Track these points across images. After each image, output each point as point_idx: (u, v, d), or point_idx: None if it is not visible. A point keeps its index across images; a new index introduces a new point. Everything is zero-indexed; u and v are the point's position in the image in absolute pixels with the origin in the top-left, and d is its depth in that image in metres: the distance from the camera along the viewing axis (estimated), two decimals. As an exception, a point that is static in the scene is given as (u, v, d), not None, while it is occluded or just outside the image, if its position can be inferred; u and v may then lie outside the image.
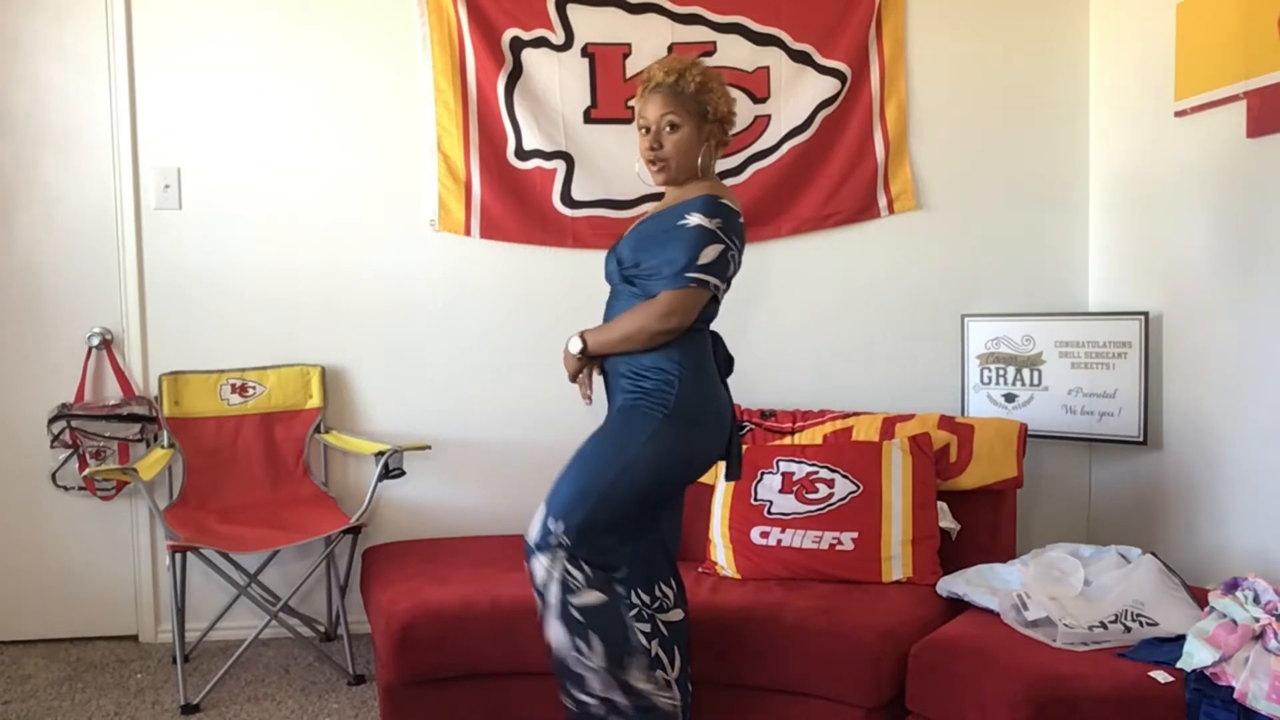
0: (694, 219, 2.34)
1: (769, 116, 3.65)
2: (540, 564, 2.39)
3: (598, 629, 2.36)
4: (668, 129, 2.42)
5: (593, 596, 2.36)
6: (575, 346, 2.47)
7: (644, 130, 2.46)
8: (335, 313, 3.58)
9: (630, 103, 3.58)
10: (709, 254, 2.34)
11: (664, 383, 2.37)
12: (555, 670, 2.42)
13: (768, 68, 3.64)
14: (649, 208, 2.58)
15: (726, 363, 2.55)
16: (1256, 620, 2.29)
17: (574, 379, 2.53)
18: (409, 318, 3.61)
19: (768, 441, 3.32)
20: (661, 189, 2.54)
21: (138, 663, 3.41)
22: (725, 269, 2.38)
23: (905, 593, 2.89)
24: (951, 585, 2.85)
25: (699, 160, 2.45)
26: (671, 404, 2.36)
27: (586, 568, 2.36)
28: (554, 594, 2.38)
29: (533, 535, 2.40)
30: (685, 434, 2.39)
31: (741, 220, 2.42)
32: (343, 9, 3.53)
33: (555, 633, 2.39)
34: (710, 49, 3.60)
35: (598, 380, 2.52)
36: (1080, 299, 3.79)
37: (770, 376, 3.61)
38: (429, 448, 3.48)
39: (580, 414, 3.53)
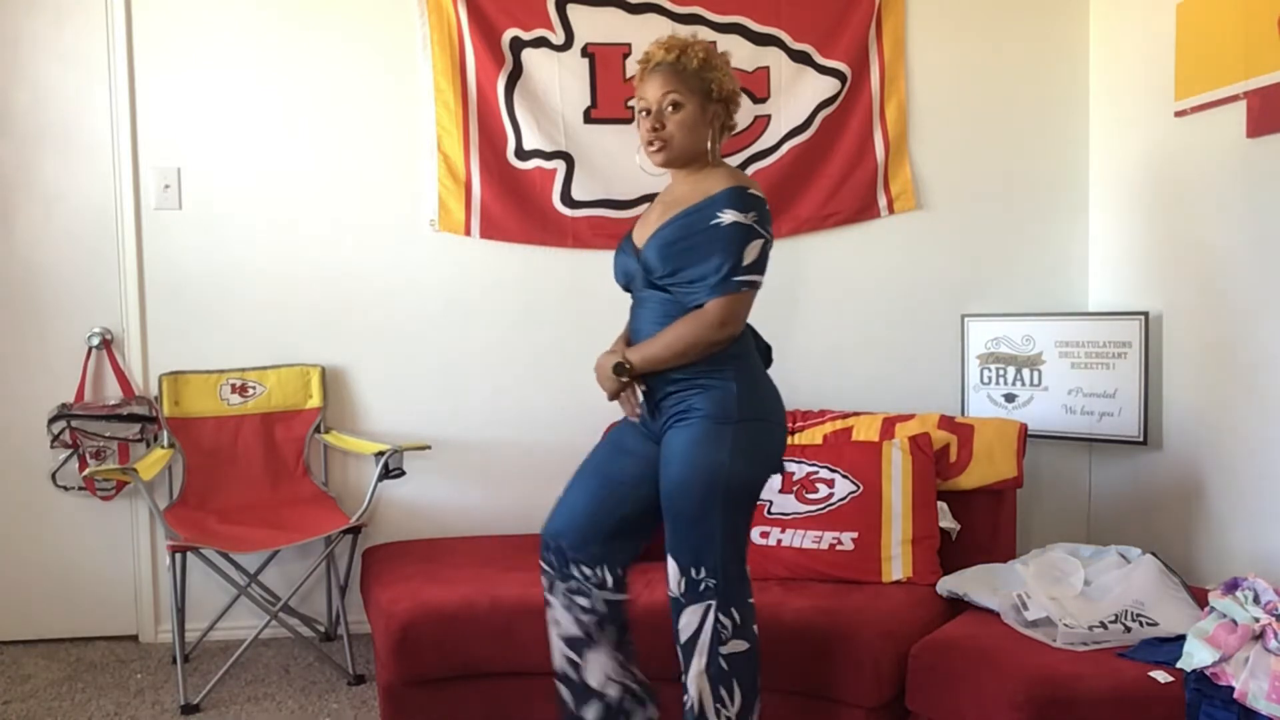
0: (728, 216, 2.23)
1: (769, 116, 3.65)
2: (690, 616, 2.29)
3: (740, 677, 2.29)
4: (670, 108, 2.30)
5: (739, 644, 2.30)
6: (614, 365, 2.32)
7: (644, 112, 2.34)
8: (335, 313, 3.58)
9: (630, 102, 3.59)
10: (751, 252, 2.24)
11: (723, 391, 2.28)
12: None
13: (768, 68, 3.64)
14: (658, 200, 2.46)
15: (766, 352, 2.46)
16: (1256, 620, 2.29)
17: (614, 398, 2.39)
18: (409, 318, 3.61)
19: (768, 441, 3.32)
20: (662, 172, 2.42)
21: (138, 663, 3.41)
22: (766, 263, 2.29)
23: (905, 593, 2.89)
24: (951, 585, 2.85)
25: (706, 144, 2.34)
26: (735, 411, 2.27)
27: (735, 614, 2.29)
28: (704, 646, 2.29)
29: (676, 589, 2.30)
30: (758, 435, 2.32)
31: (768, 207, 2.32)
32: (343, 9, 3.53)
33: (699, 686, 2.30)
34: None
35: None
36: (1080, 299, 3.79)
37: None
38: (429, 448, 3.48)
39: (580, 414, 3.56)
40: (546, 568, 2.45)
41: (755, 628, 2.34)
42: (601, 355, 2.39)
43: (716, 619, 2.28)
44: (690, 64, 2.31)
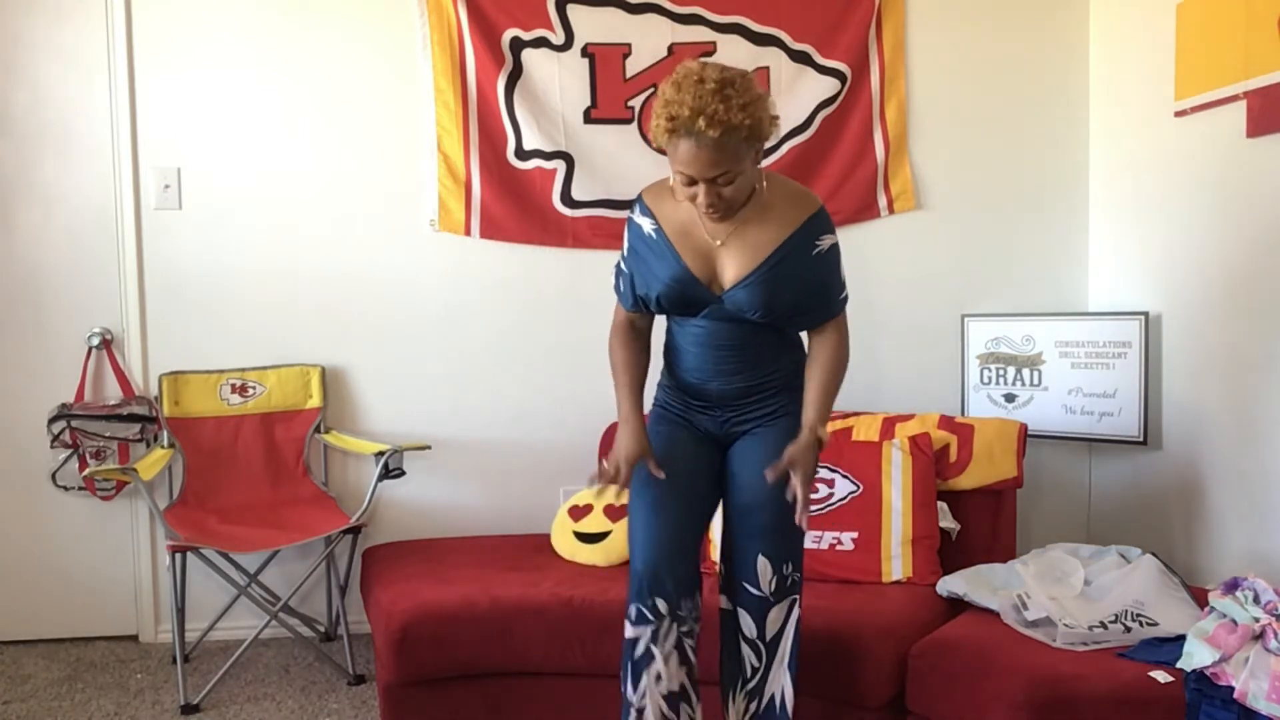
0: (826, 241, 2.24)
1: (769, 116, 3.65)
2: (778, 614, 2.30)
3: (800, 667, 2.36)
4: (724, 183, 2.13)
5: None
6: (816, 445, 2.25)
7: (687, 183, 2.14)
8: (335, 313, 3.58)
9: (629, 102, 3.59)
10: (842, 267, 2.32)
11: (799, 388, 2.35)
12: None
13: (768, 68, 3.64)
14: (692, 221, 2.27)
15: None
16: (1256, 620, 2.29)
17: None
18: (409, 318, 3.61)
19: (768, 441, 3.32)
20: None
21: (138, 663, 3.41)
22: None
23: (905, 593, 2.89)
24: (951, 585, 2.85)
25: (757, 181, 2.25)
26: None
27: (801, 605, 2.34)
28: (789, 642, 2.31)
29: (768, 589, 2.29)
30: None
31: None
32: (343, 9, 3.53)
33: (779, 682, 2.31)
34: (710, 49, 3.60)
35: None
36: (1080, 299, 3.79)
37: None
38: (429, 448, 3.48)
39: (580, 414, 3.56)
40: (655, 613, 2.26)
41: None
42: (796, 451, 2.21)
43: (798, 613, 2.33)
44: (739, 136, 2.09)
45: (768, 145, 2.28)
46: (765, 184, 2.27)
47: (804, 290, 2.26)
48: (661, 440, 2.37)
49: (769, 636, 2.32)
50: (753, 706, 2.34)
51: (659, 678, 2.28)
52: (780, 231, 2.23)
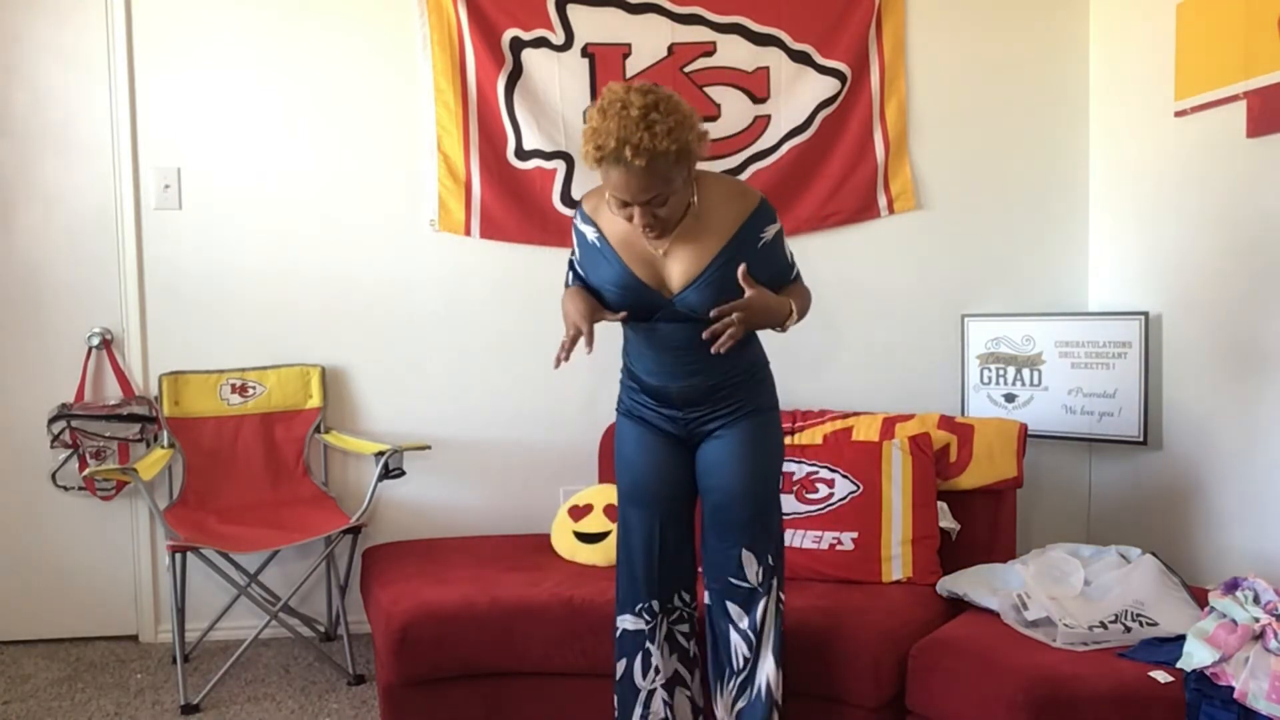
0: (770, 232, 2.30)
1: (769, 116, 3.65)
2: (764, 606, 2.38)
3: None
4: (658, 205, 2.17)
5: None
6: (790, 312, 2.34)
7: (622, 204, 2.19)
8: (335, 313, 3.58)
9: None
10: (788, 248, 2.39)
11: (768, 377, 2.44)
12: (763, 714, 2.39)
13: (768, 68, 3.64)
14: (624, 229, 2.30)
15: None
16: (1256, 620, 2.29)
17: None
18: (409, 318, 3.61)
19: (768, 441, 3.32)
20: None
21: (138, 663, 3.41)
22: None
23: (905, 593, 2.89)
24: (951, 585, 2.85)
25: (691, 196, 2.26)
26: (773, 398, 2.45)
27: (783, 591, 2.43)
28: (774, 632, 2.39)
29: (755, 580, 2.37)
30: (779, 418, 2.49)
31: None
32: (342, 9, 3.53)
33: (767, 670, 2.38)
34: (710, 49, 3.60)
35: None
36: (1080, 299, 3.79)
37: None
38: (429, 448, 3.48)
39: (580, 414, 3.57)
40: (648, 611, 2.45)
41: None
42: (759, 298, 2.22)
43: (779, 600, 2.40)
44: (668, 160, 2.12)
45: (703, 159, 2.27)
46: (700, 192, 2.27)
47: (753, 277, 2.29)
48: (630, 444, 2.46)
49: (759, 626, 2.38)
50: (748, 693, 2.39)
51: (656, 670, 2.46)
52: (724, 231, 2.26)
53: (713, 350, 2.19)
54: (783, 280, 2.39)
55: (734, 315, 2.19)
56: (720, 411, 2.37)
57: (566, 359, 2.24)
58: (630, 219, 2.21)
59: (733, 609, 2.40)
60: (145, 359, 3.51)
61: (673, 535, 2.44)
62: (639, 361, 2.42)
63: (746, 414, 2.38)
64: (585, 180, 3.59)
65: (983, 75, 3.74)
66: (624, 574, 2.47)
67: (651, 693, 2.45)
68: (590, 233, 2.36)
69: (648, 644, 2.45)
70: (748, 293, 2.22)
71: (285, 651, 3.47)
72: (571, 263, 2.46)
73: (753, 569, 2.37)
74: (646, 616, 2.44)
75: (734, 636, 2.40)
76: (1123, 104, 3.59)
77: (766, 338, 2.45)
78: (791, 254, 2.41)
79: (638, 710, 2.46)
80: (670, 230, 2.26)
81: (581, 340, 2.26)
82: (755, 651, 2.38)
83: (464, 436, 3.64)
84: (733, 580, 2.38)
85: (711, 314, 2.22)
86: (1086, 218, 3.78)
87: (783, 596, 2.43)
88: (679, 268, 2.29)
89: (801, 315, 2.38)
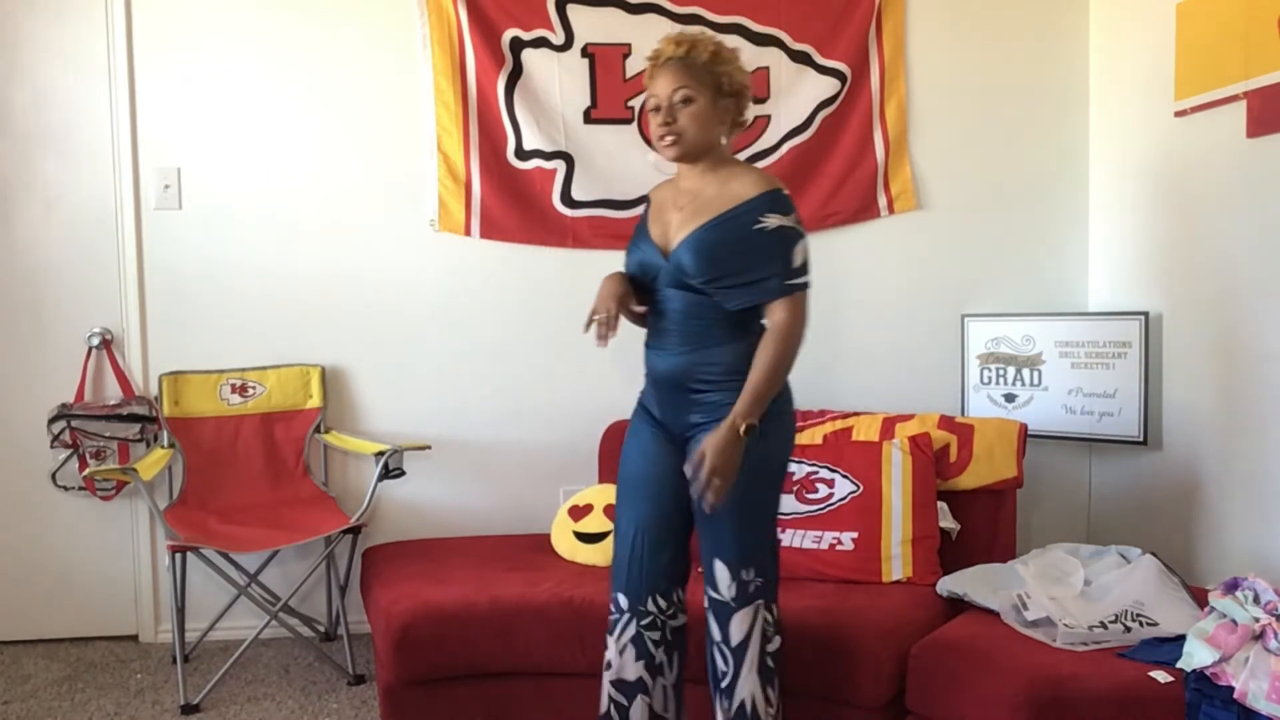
0: (772, 221, 2.25)
1: (769, 116, 3.65)
2: (742, 620, 2.30)
3: (780, 674, 2.35)
4: (681, 103, 2.28)
5: (777, 641, 2.34)
6: (744, 431, 2.22)
7: (655, 109, 2.32)
8: (335, 313, 3.58)
9: (630, 101, 3.59)
10: (799, 254, 2.27)
11: None
12: None
13: (768, 68, 3.64)
14: (669, 197, 2.40)
15: None
16: (1256, 620, 2.29)
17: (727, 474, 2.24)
18: (409, 318, 3.61)
19: (768, 441, 3.32)
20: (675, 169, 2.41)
21: (138, 663, 3.41)
22: (810, 262, 2.31)
23: (905, 593, 2.89)
24: (951, 585, 2.85)
25: (719, 138, 2.33)
26: (768, 405, 2.30)
27: (775, 610, 2.33)
28: (755, 647, 2.30)
29: (727, 594, 2.30)
30: (784, 422, 2.37)
31: None
32: (343, 9, 3.53)
33: (749, 688, 2.31)
34: (710, 49, 3.60)
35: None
36: (1080, 299, 3.79)
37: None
38: (429, 448, 3.48)
39: (580, 414, 3.56)
40: (616, 606, 2.41)
41: None
42: (711, 439, 2.21)
43: (764, 619, 2.31)
44: (700, 58, 2.30)
45: (745, 121, 2.41)
46: (729, 170, 2.34)
47: (738, 258, 2.26)
48: (631, 439, 2.49)
49: (734, 642, 2.31)
50: (727, 707, 2.34)
51: (608, 665, 2.42)
52: (729, 201, 2.29)
53: (706, 509, 2.24)
54: (763, 275, 2.26)
55: (703, 474, 2.20)
56: (702, 406, 2.31)
57: (600, 337, 2.35)
58: (659, 126, 2.31)
59: (711, 620, 2.34)
60: (145, 359, 3.51)
61: (651, 538, 2.37)
62: (648, 340, 2.43)
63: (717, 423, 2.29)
64: (585, 180, 3.60)
65: (983, 75, 3.74)
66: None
67: (604, 684, 2.41)
68: (642, 209, 2.50)
69: (608, 635, 2.41)
70: (706, 463, 2.20)
71: (285, 651, 3.47)
72: (629, 249, 2.50)
73: (725, 582, 2.29)
74: (613, 608, 2.41)
75: (712, 647, 2.35)
76: (1123, 104, 3.59)
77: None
78: (799, 264, 2.27)
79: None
80: (687, 149, 2.31)
81: (597, 329, 2.34)
82: (734, 667, 2.32)
83: (464, 436, 3.64)
84: (710, 590, 2.33)
85: (686, 472, 2.24)
86: (1086, 218, 3.78)
87: (770, 617, 2.32)
88: (682, 225, 2.34)
89: (775, 376, 2.27)
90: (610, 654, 2.41)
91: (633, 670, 2.39)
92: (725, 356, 2.31)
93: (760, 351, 2.27)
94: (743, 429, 2.22)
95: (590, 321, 2.36)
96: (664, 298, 2.36)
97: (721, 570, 2.29)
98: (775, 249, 2.26)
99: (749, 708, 2.31)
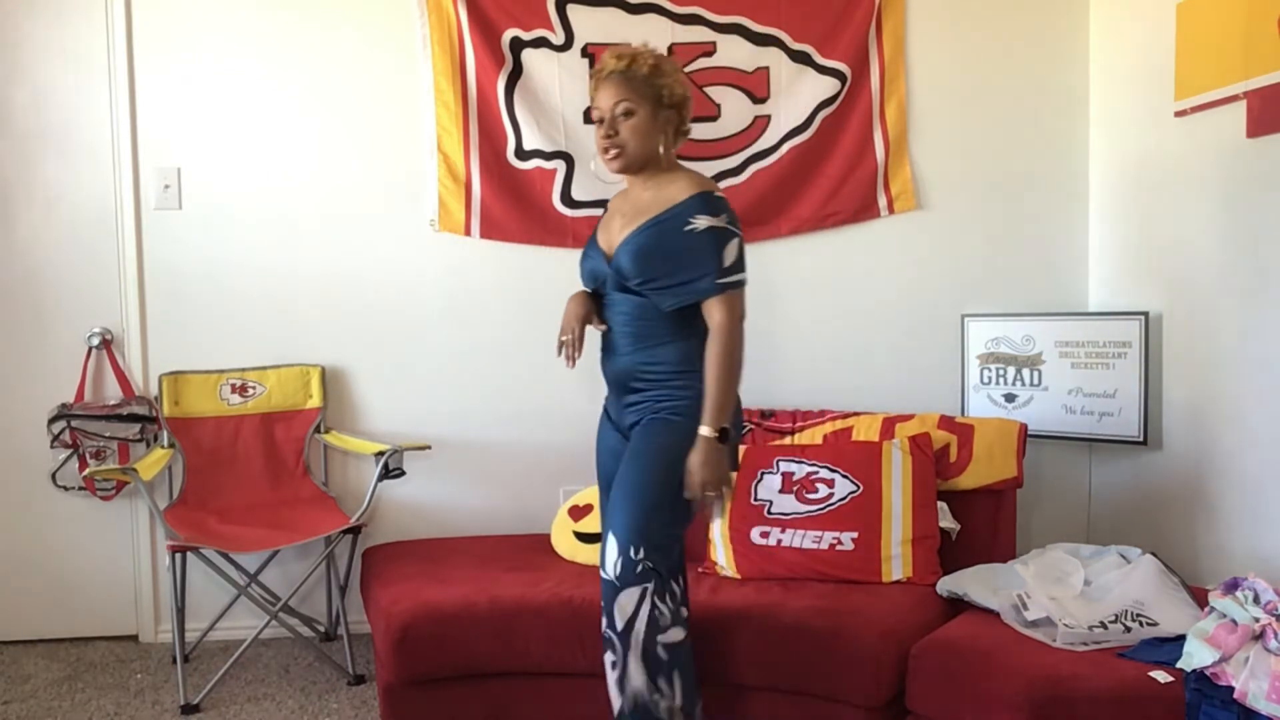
0: (702, 222, 2.32)
1: (769, 116, 3.65)
2: (627, 600, 2.30)
3: (680, 667, 2.33)
4: (622, 116, 2.37)
5: (678, 633, 2.33)
6: (719, 437, 2.32)
7: (598, 121, 2.42)
8: (335, 313, 3.59)
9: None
10: (730, 253, 2.34)
11: (693, 387, 2.36)
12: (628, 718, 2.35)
13: (768, 68, 3.64)
14: (618, 206, 2.53)
15: None
16: (1256, 620, 2.28)
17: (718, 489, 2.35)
18: (409, 318, 3.61)
19: (768, 441, 3.32)
20: (619, 178, 2.52)
21: (138, 663, 3.41)
22: (744, 259, 2.37)
23: (905, 593, 2.89)
24: (951, 585, 2.85)
25: (659, 148, 2.42)
26: (694, 409, 2.35)
27: (671, 601, 2.32)
28: (640, 632, 2.30)
29: (613, 572, 2.31)
30: (695, 418, 2.37)
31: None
32: (343, 9, 3.54)
33: (634, 676, 2.31)
34: (710, 49, 3.60)
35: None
36: (1080, 299, 3.79)
37: (770, 376, 3.60)
38: (429, 448, 3.48)
39: (579, 414, 3.54)
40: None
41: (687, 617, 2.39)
42: (693, 457, 2.31)
43: (654, 606, 2.30)
44: (641, 71, 2.37)
45: (687, 131, 2.50)
46: (669, 175, 2.42)
47: (673, 263, 2.33)
48: (599, 442, 2.60)
49: (619, 625, 2.31)
50: (624, 695, 2.34)
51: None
52: (662, 205, 2.38)
53: (712, 523, 2.40)
54: (692, 276, 2.32)
55: (696, 491, 2.31)
56: (639, 405, 2.42)
57: (568, 359, 2.48)
58: (601, 138, 2.40)
59: (603, 608, 2.36)
60: (145, 359, 3.51)
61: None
62: (601, 343, 2.52)
63: (656, 414, 2.40)
64: (586, 180, 3.60)
65: (983, 75, 3.74)
66: None
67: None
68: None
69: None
70: (695, 480, 2.31)
71: (285, 651, 3.47)
72: (581, 259, 2.61)
73: (612, 558, 2.31)
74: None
75: (604, 642, 2.36)
76: (1123, 104, 3.59)
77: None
78: (731, 263, 2.33)
79: None
80: (629, 161, 2.40)
81: (564, 351, 2.48)
82: (622, 654, 2.32)
83: (464, 436, 3.64)
84: (601, 571, 2.35)
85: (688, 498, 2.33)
86: (1086, 218, 3.78)
87: (666, 609, 2.31)
88: (619, 235, 2.45)
89: (728, 376, 2.33)
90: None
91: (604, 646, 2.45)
92: (669, 355, 2.39)
93: (708, 358, 2.35)
94: (716, 435, 2.31)
95: (560, 345, 2.48)
96: (611, 302, 2.47)
97: (611, 545, 2.33)
98: (706, 249, 2.32)
99: (635, 698, 2.32)
